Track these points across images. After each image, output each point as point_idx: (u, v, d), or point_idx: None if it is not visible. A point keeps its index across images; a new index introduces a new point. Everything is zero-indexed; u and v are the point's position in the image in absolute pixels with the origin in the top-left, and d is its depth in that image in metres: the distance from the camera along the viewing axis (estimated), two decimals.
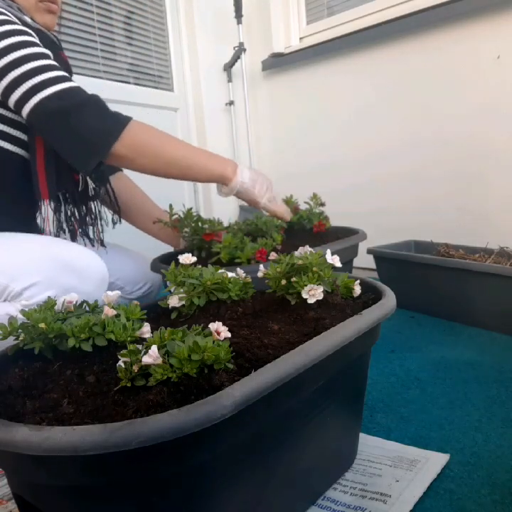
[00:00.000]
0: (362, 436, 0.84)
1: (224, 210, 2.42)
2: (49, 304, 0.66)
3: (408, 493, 0.71)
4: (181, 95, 2.45)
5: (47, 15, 1.10)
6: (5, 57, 0.93)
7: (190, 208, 1.28)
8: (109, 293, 0.71)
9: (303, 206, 1.54)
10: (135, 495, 0.46)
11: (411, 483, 0.73)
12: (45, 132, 0.99)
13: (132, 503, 0.47)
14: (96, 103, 0.99)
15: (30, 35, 0.99)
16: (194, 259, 0.81)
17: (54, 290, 0.93)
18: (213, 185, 2.33)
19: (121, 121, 1.00)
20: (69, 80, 0.98)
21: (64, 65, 1.09)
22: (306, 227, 1.45)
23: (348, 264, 1.40)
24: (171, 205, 1.30)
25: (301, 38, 2.39)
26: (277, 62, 2.37)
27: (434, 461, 0.78)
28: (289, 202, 1.51)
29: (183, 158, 1.07)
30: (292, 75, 2.35)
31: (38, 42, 1.00)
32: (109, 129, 0.98)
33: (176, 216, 1.29)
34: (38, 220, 1.05)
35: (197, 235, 1.23)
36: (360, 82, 2.09)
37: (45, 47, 1.01)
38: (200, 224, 1.24)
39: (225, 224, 1.35)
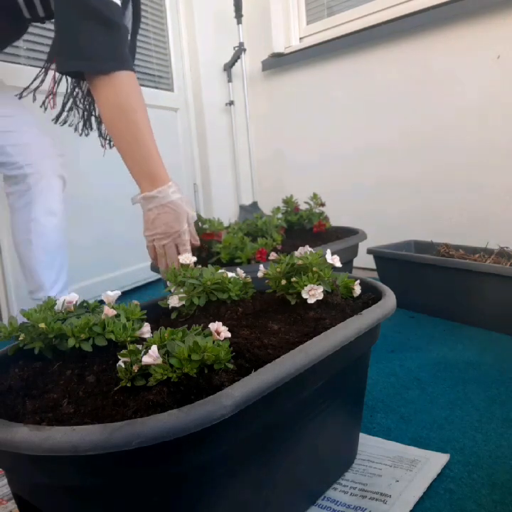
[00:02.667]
0: (362, 436, 0.84)
1: (224, 210, 2.43)
2: (49, 303, 0.66)
3: (408, 493, 0.71)
4: (181, 95, 2.45)
5: None
6: None
7: None
8: (109, 293, 0.71)
9: (303, 206, 1.54)
10: (135, 495, 0.46)
11: (411, 483, 0.73)
12: (60, 10, 0.94)
13: (132, 503, 0.47)
14: (121, 33, 0.96)
15: None
16: (194, 259, 0.82)
17: None
18: (213, 185, 2.34)
19: (124, 65, 0.95)
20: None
21: None
22: (306, 227, 1.45)
23: (348, 264, 1.41)
24: None
25: (301, 38, 2.39)
26: (277, 62, 2.37)
27: (434, 461, 0.78)
28: (289, 202, 1.51)
29: (131, 140, 0.98)
30: (292, 75, 2.35)
31: None
32: (110, 57, 0.94)
33: None
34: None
35: (197, 235, 1.22)
36: (360, 82, 2.09)
37: None
38: (200, 224, 1.24)
39: (225, 224, 1.34)
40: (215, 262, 1.13)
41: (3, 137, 1.19)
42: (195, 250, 1.17)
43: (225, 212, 2.18)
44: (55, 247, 1.30)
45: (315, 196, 1.51)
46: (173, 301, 0.75)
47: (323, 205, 1.50)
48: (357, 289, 0.77)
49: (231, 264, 1.11)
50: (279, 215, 1.40)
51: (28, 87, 1.23)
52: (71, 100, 1.27)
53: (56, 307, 0.67)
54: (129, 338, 0.60)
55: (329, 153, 2.26)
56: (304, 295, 0.70)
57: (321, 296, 0.70)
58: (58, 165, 1.29)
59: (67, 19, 0.93)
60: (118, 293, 0.72)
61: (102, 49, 0.93)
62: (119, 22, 0.95)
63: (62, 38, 0.95)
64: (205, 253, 1.22)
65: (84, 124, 1.30)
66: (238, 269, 0.83)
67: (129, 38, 1.07)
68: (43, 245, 1.28)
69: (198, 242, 1.03)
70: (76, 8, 0.91)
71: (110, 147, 1.28)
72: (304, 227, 1.47)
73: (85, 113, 1.29)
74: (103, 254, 1.94)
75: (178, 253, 0.96)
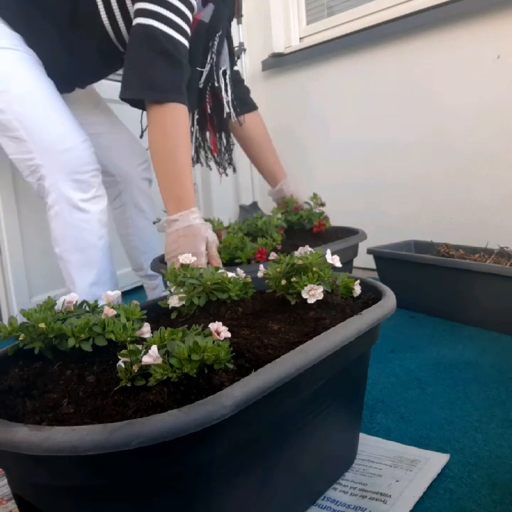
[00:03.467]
0: (362, 436, 0.84)
1: (224, 210, 2.43)
2: (49, 303, 0.66)
3: (408, 493, 0.71)
4: None
5: None
6: None
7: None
8: (110, 293, 0.71)
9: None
10: (135, 495, 0.46)
11: (411, 483, 0.73)
12: (131, 46, 1.08)
13: (132, 503, 0.47)
14: (182, 70, 1.08)
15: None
16: (194, 258, 0.81)
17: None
18: (213, 185, 2.39)
19: (178, 98, 1.07)
20: (186, 36, 1.10)
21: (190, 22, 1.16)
22: (306, 227, 1.46)
23: (348, 264, 1.39)
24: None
25: (301, 38, 2.39)
26: (277, 62, 2.37)
27: (434, 461, 0.79)
28: (289, 202, 1.52)
29: (167, 166, 1.08)
30: (292, 75, 2.35)
31: None
32: (167, 88, 1.05)
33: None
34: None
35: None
36: (360, 82, 2.09)
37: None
38: None
39: (225, 224, 1.35)
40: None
41: (99, 152, 1.31)
42: None
43: (225, 212, 2.18)
44: (148, 237, 1.56)
45: (315, 196, 1.52)
46: (173, 301, 0.75)
47: (323, 205, 1.51)
48: (357, 289, 0.77)
49: (231, 264, 1.13)
50: (279, 215, 1.40)
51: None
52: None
53: (56, 307, 0.67)
54: (129, 338, 0.60)
55: (329, 153, 2.26)
56: (304, 295, 0.70)
57: (321, 296, 0.70)
58: (142, 170, 1.52)
59: (137, 54, 1.07)
60: (118, 293, 0.72)
61: (161, 82, 1.05)
62: (183, 61, 1.08)
63: (128, 69, 1.08)
64: None
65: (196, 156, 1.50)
66: (238, 269, 0.83)
67: (229, 71, 1.33)
68: (139, 237, 1.56)
69: (220, 265, 1.05)
70: (147, 44, 1.04)
71: (226, 175, 1.55)
72: (304, 227, 1.47)
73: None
74: None
75: None
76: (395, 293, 0.74)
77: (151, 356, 0.48)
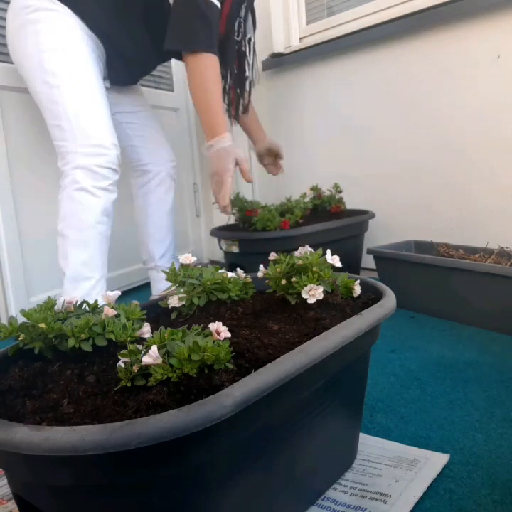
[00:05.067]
0: (362, 436, 0.84)
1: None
2: (49, 303, 0.66)
3: (408, 493, 0.71)
4: (181, 95, 2.45)
5: None
6: None
7: (238, 193, 1.89)
8: (109, 293, 0.71)
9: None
10: (135, 495, 0.46)
11: (411, 483, 0.73)
12: (175, 7, 1.33)
13: (132, 503, 0.47)
14: (212, 28, 1.34)
15: None
16: (194, 258, 0.81)
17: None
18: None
19: (210, 49, 1.34)
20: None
21: None
22: (327, 209, 1.95)
23: (358, 236, 1.93)
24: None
25: (301, 38, 2.39)
26: (277, 62, 2.36)
27: (434, 461, 0.78)
28: (314, 189, 2.02)
29: (202, 103, 1.35)
30: (292, 75, 2.35)
31: None
32: (201, 42, 1.32)
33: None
34: None
35: (242, 211, 1.81)
36: (360, 82, 2.09)
37: None
38: (245, 204, 1.82)
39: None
40: (253, 230, 1.69)
41: (139, 140, 1.64)
42: (240, 222, 1.82)
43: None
44: (166, 227, 1.71)
45: (336, 185, 1.99)
46: (173, 301, 0.75)
47: (341, 191, 1.98)
48: (357, 289, 0.77)
49: (264, 230, 1.66)
50: (307, 199, 1.94)
51: None
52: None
53: (56, 307, 0.67)
54: (129, 338, 0.60)
55: (328, 153, 2.26)
56: (304, 295, 0.70)
57: (321, 296, 0.70)
58: (171, 168, 1.71)
59: (179, 15, 1.32)
60: (118, 293, 0.72)
61: (196, 38, 1.31)
62: (213, 20, 1.33)
63: (172, 27, 1.33)
64: (247, 223, 1.76)
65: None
66: (238, 269, 0.83)
67: (253, 38, 1.66)
68: (157, 225, 1.69)
69: (250, 179, 1.39)
70: (187, 7, 1.31)
71: (232, 125, 1.75)
72: (325, 208, 1.95)
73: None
74: None
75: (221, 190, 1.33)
76: (395, 293, 0.74)
77: (151, 356, 0.48)
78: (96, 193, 1.31)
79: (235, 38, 1.55)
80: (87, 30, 1.36)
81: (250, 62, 1.65)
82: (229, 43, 1.51)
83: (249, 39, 1.62)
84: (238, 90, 1.68)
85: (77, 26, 1.33)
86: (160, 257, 1.69)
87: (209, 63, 1.33)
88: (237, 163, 1.33)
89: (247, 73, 1.66)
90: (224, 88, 1.58)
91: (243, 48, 1.60)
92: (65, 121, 1.30)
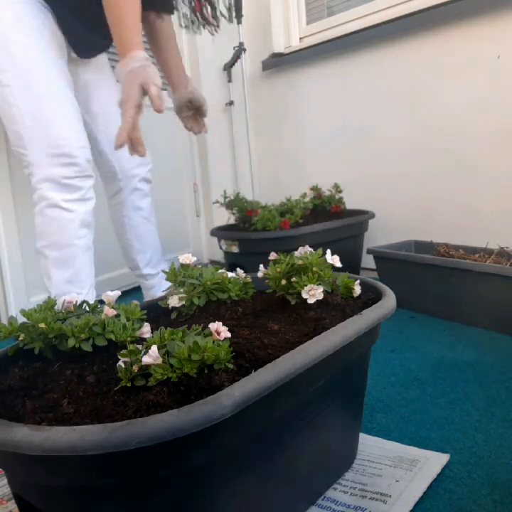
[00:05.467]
0: (362, 436, 0.84)
1: (224, 210, 2.42)
2: (49, 303, 0.66)
3: (408, 493, 0.71)
4: None
5: None
6: None
7: (238, 193, 1.93)
8: (109, 293, 0.71)
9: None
10: (135, 495, 0.46)
11: (411, 483, 0.73)
12: None
13: (132, 503, 0.47)
14: None
15: None
16: (194, 258, 0.81)
17: None
18: (213, 185, 2.42)
19: None
20: None
21: None
22: (327, 209, 1.96)
23: (358, 236, 1.95)
24: (225, 191, 2.01)
25: (301, 38, 2.39)
26: (277, 62, 2.37)
27: (434, 461, 0.78)
28: (315, 189, 2.01)
29: (113, 12, 1.08)
30: (292, 75, 2.35)
31: None
32: None
33: (228, 198, 1.94)
34: None
35: (242, 211, 1.83)
36: (360, 81, 2.09)
37: None
38: (245, 204, 1.84)
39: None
40: (253, 230, 1.70)
41: (104, 137, 1.38)
42: (240, 222, 1.84)
43: (225, 212, 2.18)
44: (144, 236, 1.54)
45: (336, 186, 1.99)
46: (173, 301, 0.75)
47: (341, 191, 1.99)
48: (357, 289, 0.77)
49: (264, 230, 1.68)
50: (307, 199, 1.94)
51: None
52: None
53: (56, 307, 0.67)
54: (129, 338, 0.60)
55: (328, 153, 2.26)
56: (304, 295, 0.70)
57: (321, 296, 0.70)
58: (145, 172, 1.49)
59: None
60: (118, 293, 0.72)
61: None
62: None
63: None
64: (247, 223, 1.79)
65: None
66: (238, 269, 0.83)
67: None
68: (134, 235, 1.53)
69: (159, 108, 1.02)
70: None
71: (217, 31, 1.51)
72: (325, 208, 1.96)
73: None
74: (102, 254, 1.93)
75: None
76: (395, 293, 0.74)
77: (151, 356, 0.48)
78: (69, 208, 1.19)
79: None
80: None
81: None
82: None
83: None
84: None
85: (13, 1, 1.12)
86: (145, 265, 1.55)
87: None
88: (144, 90, 1.02)
89: None
90: None
91: None
92: (23, 127, 1.14)
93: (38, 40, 1.16)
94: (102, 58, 1.42)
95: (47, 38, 1.17)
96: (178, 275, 0.76)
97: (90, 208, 1.25)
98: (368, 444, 0.84)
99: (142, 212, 1.52)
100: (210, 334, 0.54)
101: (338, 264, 0.75)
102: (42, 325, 0.59)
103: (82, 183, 1.21)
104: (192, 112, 1.41)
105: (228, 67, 2.46)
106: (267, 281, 0.78)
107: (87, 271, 1.28)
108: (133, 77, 1.02)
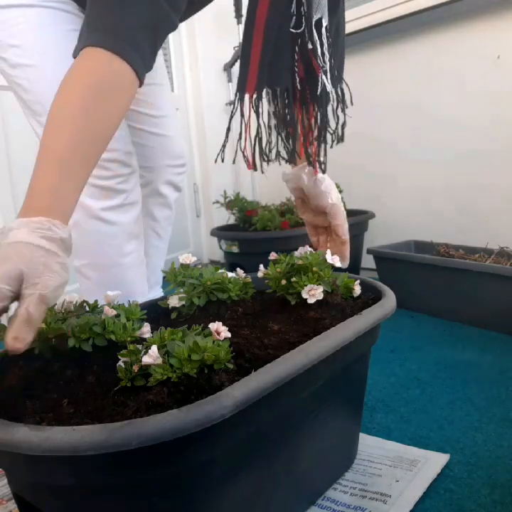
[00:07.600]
0: (362, 436, 0.84)
1: (224, 210, 2.42)
2: None
3: (408, 493, 0.71)
4: (181, 95, 2.45)
5: None
6: None
7: (238, 193, 1.95)
8: (109, 293, 0.71)
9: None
10: (135, 495, 0.46)
11: (411, 483, 0.73)
12: None
13: (132, 503, 0.47)
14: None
15: None
16: (194, 258, 0.81)
17: None
18: (213, 185, 2.42)
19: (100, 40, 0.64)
20: None
21: None
22: None
23: (358, 236, 1.94)
24: (225, 191, 2.03)
25: None
26: None
27: (434, 461, 0.78)
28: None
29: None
30: None
31: None
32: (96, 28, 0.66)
33: (228, 199, 1.98)
34: None
35: (242, 211, 1.85)
36: (359, 81, 2.09)
37: None
38: (245, 204, 1.88)
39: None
40: (253, 230, 1.72)
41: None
42: (240, 222, 1.95)
43: (225, 213, 2.19)
44: (147, 252, 1.19)
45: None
46: (173, 301, 0.75)
47: (341, 191, 1.85)
48: (357, 289, 0.77)
49: (264, 230, 1.71)
50: None
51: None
52: None
53: (56, 307, 0.66)
54: (129, 338, 0.60)
55: (328, 153, 2.25)
56: (304, 295, 0.70)
57: (321, 296, 0.70)
58: (174, 174, 1.22)
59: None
60: (118, 293, 0.72)
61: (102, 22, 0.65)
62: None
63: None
64: (247, 223, 1.82)
65: None
66: (238, 269, 0.83)
67: (326, 22, 0.83)
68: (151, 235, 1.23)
69: (13, 349, 0.50)
70: None
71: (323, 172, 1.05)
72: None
73: None
74: None
75: None
76: (395, 293, 0.74)
77: (151, 356, 0.48)
78: (112, 220, 0.96)
79: (291, 28, 0.84)
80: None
81: (326, 64, 0.88)
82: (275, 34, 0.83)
83: (319, 23, 0.84)
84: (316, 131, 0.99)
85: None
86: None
87: (86, 61, 0.64)
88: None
89: (322, 86, 0.90)
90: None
91: (309, 44, 0.85)
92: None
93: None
94: None
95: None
96: (178, 275, 0.76)
97: (135, 215, 1.01)
98: (368, 444, 0.84)
99: (154, 224, 1.24)
100: (210, 334, 0.54)
101: (338, 264, 0.75)
102: (42, 325, 0.58)
103: (123, 184, 0.97)
104: (320, 218, 0.97)
105: (228, 67, 2.46)
106: (267, 281, 0.78)
107: (140, 290, 1.05)
108: (16, 256, 0.55)
